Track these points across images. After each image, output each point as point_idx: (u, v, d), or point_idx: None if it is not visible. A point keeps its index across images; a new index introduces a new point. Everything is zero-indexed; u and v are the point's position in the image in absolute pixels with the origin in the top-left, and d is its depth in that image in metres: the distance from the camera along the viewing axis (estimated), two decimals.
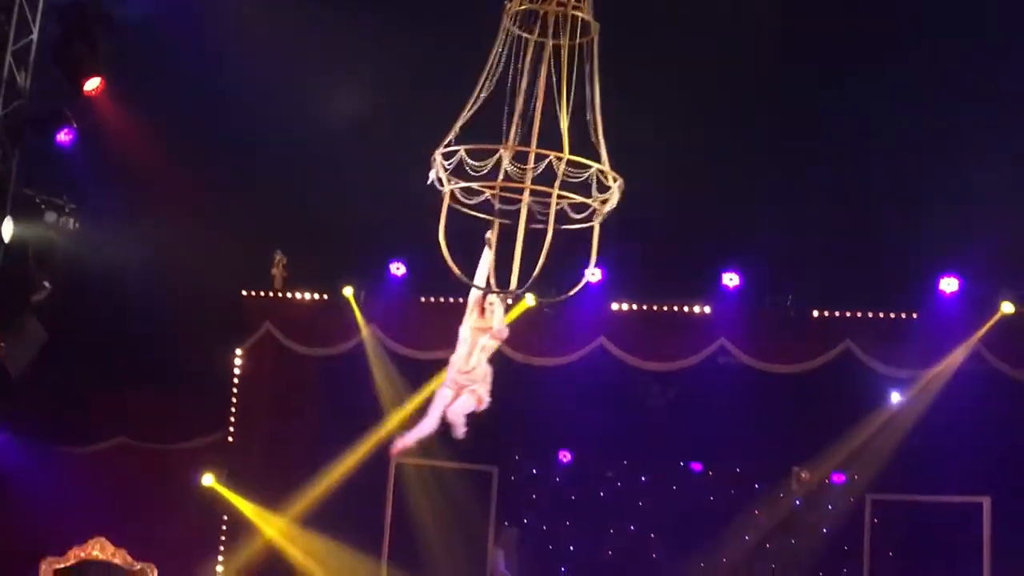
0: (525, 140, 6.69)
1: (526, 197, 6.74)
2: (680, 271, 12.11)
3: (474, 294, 7.33)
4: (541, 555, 13.07)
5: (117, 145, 11.42)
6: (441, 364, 12.42)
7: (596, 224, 6.80)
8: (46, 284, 9.93)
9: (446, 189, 6.71)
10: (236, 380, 12.64)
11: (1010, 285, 11.24)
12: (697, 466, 13.16)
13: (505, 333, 7.39)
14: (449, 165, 6.62)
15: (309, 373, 12.60)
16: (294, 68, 11.48)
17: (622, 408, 12.87)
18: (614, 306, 12.18)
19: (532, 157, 6.56)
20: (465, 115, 6.74)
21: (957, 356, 11.28)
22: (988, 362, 11.30)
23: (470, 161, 6.65)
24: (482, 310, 7.46)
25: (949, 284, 11.47)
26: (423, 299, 12.41)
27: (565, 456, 13.38)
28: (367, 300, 12.37)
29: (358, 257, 12.30)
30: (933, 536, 11.67)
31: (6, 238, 9.46)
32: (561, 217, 6.70)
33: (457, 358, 7.36)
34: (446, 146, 6.62)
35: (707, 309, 12.09)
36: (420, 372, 12.43)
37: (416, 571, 12.28)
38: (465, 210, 6.83)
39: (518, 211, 6.75)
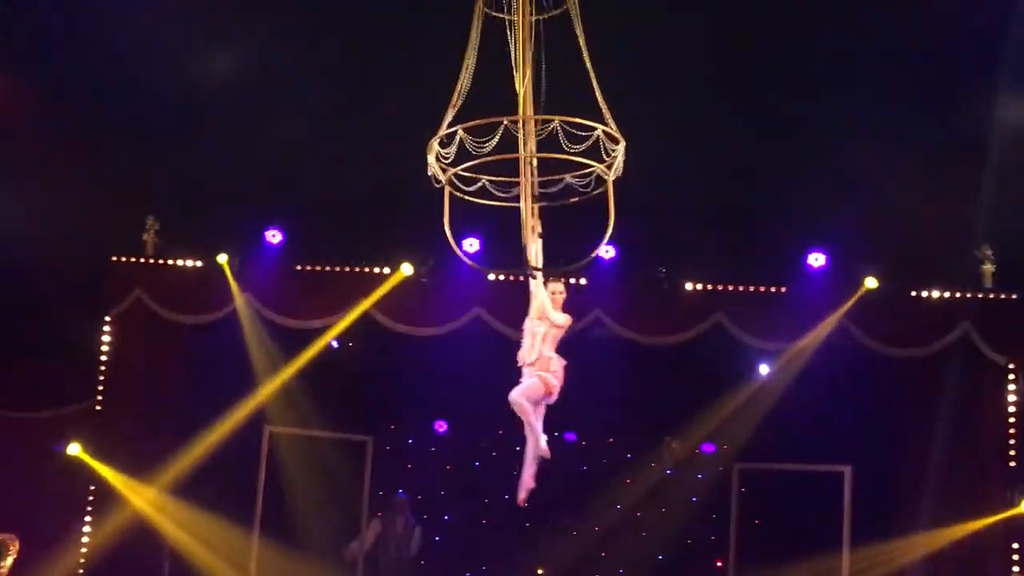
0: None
1: (522, 169, 6.82)
2: (557, 243, 12.16)
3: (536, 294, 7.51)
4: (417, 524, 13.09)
5: None
6: (317, 333, 12.44)
7: (610, 187, 6.89)
8: None
9: (446, 176, 6.75)
10: (105, 347, 12.34)
11: (874, 260, 11.57)
12: (571, 436, 13.31)
13: (562, 319, 7.59)
14: (447, 155, 6.67)
15: (181, 341, 12.37)
16: (173, 24, 11.19)
17: (497, 378, 12.90)
18: (491, 276, 12.21)
19: (525, 124, 6.61)
20: (455, 103, 6.81)
21: (823, 329, 11.59)
22: (852, 335, 11.63)
23: (471, 139, 6.67)
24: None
25: (817, 259, 11.77)
26: (299, 267, 12.28)
27: (441, 426, 13.41)
28: (242, 267, 12.18)
29: (233, 223, 12.09)
30: (798, 504, 11.98)
31: None
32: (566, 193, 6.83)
33: (522, 352, 7.57)
34: (444, 134, 6.65)
35: (583, 280, 12.19)
36: (294, 341, 12.32)
37: (289, 541, 12.19)
38: (466, 197, 6.90)
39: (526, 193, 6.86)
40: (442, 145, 6.84)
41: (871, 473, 11.70)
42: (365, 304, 12.06)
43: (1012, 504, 11.19)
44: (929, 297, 11.72)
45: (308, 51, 11.30)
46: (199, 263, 12.34)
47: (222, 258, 12.08)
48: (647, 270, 12.02)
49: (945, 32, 10.84)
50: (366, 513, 12.63)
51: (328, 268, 12.29)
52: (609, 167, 6.92)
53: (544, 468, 13.02)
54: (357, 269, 12.24)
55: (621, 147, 6.91)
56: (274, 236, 12.20)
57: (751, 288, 11.98)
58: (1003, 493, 11.28)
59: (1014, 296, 11.62)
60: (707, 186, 11.74)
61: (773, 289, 11.95)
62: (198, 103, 11.38)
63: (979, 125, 11.21)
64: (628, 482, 12.97)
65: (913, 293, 11.74)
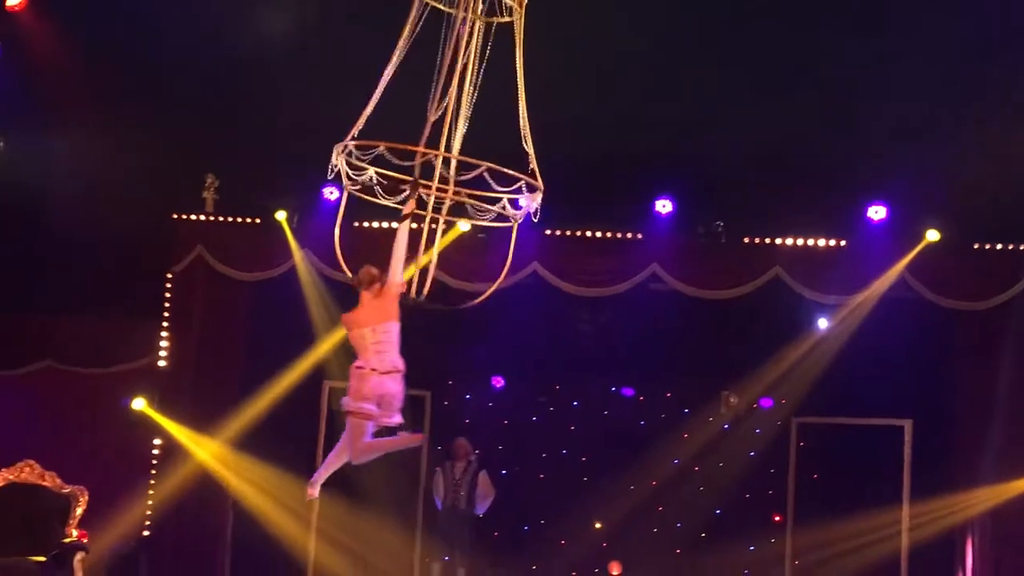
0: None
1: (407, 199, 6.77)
2: (613, 197, 12.17)
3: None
4: None
5: (43, 63, 11.16)
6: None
7: (514, 231, 6.86)
8: None
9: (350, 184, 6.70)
10: (167, 304, 12.52)
11: (935, 213, 11.44)
12: (628, 391, 13.34)
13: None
14: (360, 155, 6.56)
15: (241, 297, 12.51)
16: None
17: (554, 334, 12.97)
18: (547, 232, 12.22)
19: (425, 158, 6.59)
20: (371, 104, 6.72)
21: (883, 283, 11.50)
22: (912, 288, 11.53)
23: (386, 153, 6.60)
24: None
25: (877, 212, 11.66)
26: (356, 224, 12.34)
27: (498, 381, 13.48)
28: (300, 224, 12.27)
29: (292, 181, 12.17)
30: (857, 458, 11.95)
31: None
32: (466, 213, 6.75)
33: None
34: (352, 138, 6.53)
35: (639, 235, 12.17)
36: (353, 297, 12.39)
37: (350, 494, 12.35)
38: (372, 199, 6.81)
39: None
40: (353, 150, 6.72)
41: (932, 427, 11.64)
42: (422, 261, 12.12)
43: None
44: (991, 249, 11.58)
45: (368, 6, 11.31)
46: (258, 220, 12.45)
47: (281, 215, 12.18)
48: (705, 223, 11.97)
49: None
50: (425, 467, 12.75)
51: (385, 225, 12.34)
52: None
53: (603, 423, 13.16)
54: (415, 226, 12.24)
55: (538, 196, 6.80)
56: (332, 193, 12.27)
57: (810, 242, 11.90)
58: None
59: None
60: (765, 139, 11.64)
61: (832, 243, 11.86)
62: (259, 60, 11.44)
63: None
64: (685, 437, 12.98)
65: (975, 245, 11.61)
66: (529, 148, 6.88)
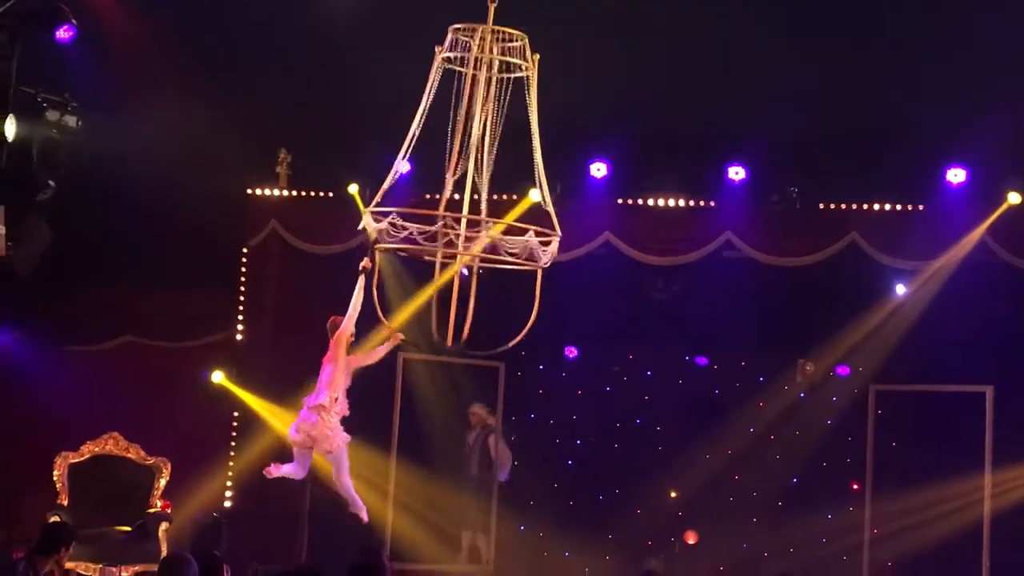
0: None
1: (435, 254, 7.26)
2: (685, 165, 12.07)
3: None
4: (549, 450, 13.23)
5: (118, 40, 11.30)
6: (446, 260, 12.58)
7: (539, 277, 7.09)
8: (51, 183, 9.91)
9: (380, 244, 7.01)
10: (243, 278, 12.67)
11: (1017, 175, 11.19)
12: (702, 360, 13.26)
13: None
14: (388, 221, 6.85)
15: (315, 271, 12.61)
16: None
17: (627, 303, 12.93)
18: (619, 200, 12.16)
19: (464, 223, 6.98)
20: (397, 164, 7.03)
21: (963, 247, 11.28)
22: (994, 253, 11.31)
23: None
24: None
25: (956, 175, 11.43)
26: (427, 196, 12.37)
27: (571, 352, 13.47)
28: (372, 197, 12.30)
29: (363, 154, 12.22)
30: (936, 426, 11.79)
31: (9, 137, 9.41)
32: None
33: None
34: (377, 204, 7.24)
35: (712, 203, 12.07)
36: (425, 269, 12.42)
37: (424, 463, 12.45)
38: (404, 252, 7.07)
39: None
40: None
41: (1014, 393, 11.42)
42: (495, 231, 12.11)
43: None
44: None
45: None
46: (331, 194, 12.54)
47: (353, 188, 12.25)
48: (779, 190, 11.84)
49: None
50: (498, 437, 12.79)
51: (456, 197, 12.34)
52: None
53: (676, 392, 13.10)
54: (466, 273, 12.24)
55: (555, 242, 7.19)
56: (403, 166, 12.27)
57: (886, 206, 11.71)
58: None
59: None
60: (840, 102, 11.46)
61: (910, 207, 11.66)
62: (333, 34, 11.48)
63: None
64: (761, 405, 12.89)
65: None
66: (545, 194, 7.25)
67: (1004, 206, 11.19)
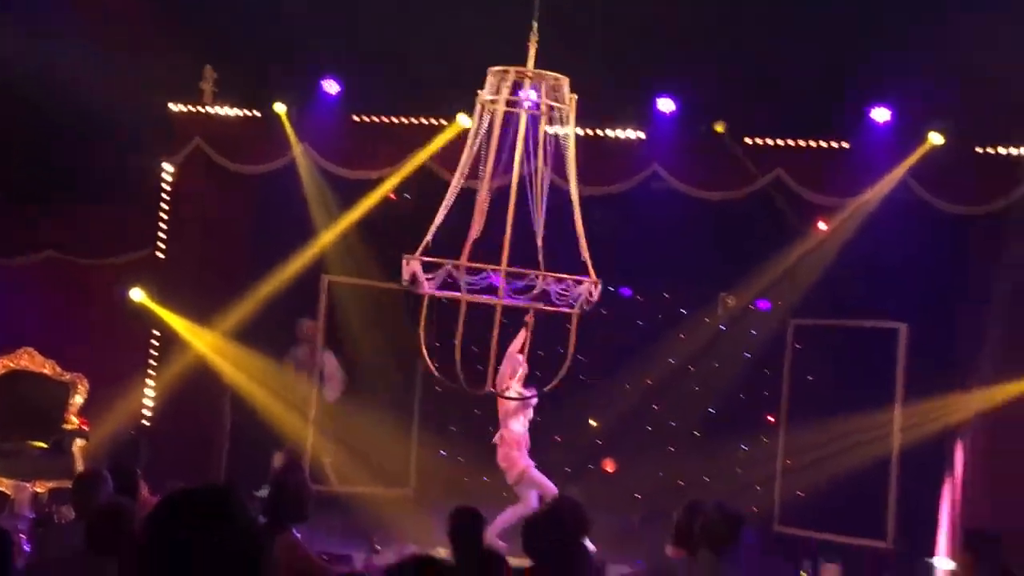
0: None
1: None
2: (614, 96, 12.03)
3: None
4: (471, 376, 13.24)
5: None
6: (374, 184, 12.46)
7: (574, 321, 7.84)
8: None
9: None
10: (165, 195, 12.49)
11: (941, 116, 11.31)
12: (626, 291, 13.35)
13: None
14: (429, 276, 6.98)
15: (240, 190, 12.49)
16: None
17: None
18: (548, 129, 12.09)
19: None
20: (439, 218, 7.13)
21: (884, 185, 11.41)
22: (914, 192, 11.45)
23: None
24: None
25: (881, 114, 11.53)
26: (356, 118, 12.25)
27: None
28: (299, 117, 12.18)
29: (290, 74, 12.06)
30: (851, 360, 11.99)
31: None
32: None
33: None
34: (422, 252, 7.53)
35: (641, 135, 12.07)
36: (352, 191, 12.37)
37: (349, 386, 12.46)
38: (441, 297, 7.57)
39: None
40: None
41: (928, 331, 11.63)
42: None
43: None
44: (995, 154, 11.47)
45: None
46: (257, 113, 12.36)
47: (280, 108, 12.08)
48: (707, 124, 11.85)
49: None
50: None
51: (384, 119, 12.23)
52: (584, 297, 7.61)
53: (601, 322, 13.16)
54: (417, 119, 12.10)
55: (598, 289, 7.76)
56: (331, 86, 12.15)
57: (812, 143, 11.79)
58: None
59: None
60: (770, 40, 11.48)
61: (835, 144, 11.76)
62: None
63: None
64: (682, 337, 13.03)
65: (978, 150, 11.49)
66: (583, 244, 7.90)
67: (926, 146, 11.32)
